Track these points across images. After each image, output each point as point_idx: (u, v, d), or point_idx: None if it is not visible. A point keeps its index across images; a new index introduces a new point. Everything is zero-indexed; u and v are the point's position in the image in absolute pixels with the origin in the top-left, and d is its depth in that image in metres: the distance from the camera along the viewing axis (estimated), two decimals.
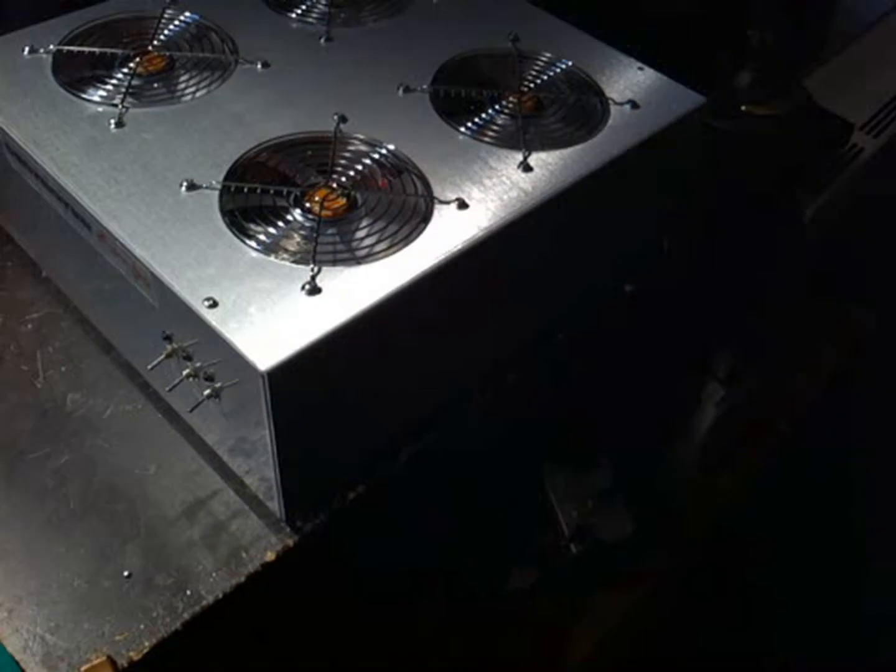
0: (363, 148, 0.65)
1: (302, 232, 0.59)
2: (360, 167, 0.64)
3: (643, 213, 0.78)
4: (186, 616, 0.59)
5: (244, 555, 0.62)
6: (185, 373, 0.59)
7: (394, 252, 0.59)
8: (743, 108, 0.98)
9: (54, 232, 0.67)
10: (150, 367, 0.61)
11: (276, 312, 0.54)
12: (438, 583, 0.84)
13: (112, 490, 0.65)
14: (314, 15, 0.78)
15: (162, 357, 0.60)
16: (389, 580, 0.74)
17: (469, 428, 0.74)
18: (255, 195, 0.61)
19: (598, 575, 1.11)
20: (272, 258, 0.57)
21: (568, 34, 0.79)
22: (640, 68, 0.76)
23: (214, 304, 0.54)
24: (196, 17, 0.75)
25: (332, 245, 0.59)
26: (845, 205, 1.20)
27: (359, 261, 0.58)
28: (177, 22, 0.75)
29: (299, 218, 0.60)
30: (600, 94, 0.73)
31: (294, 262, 0.57)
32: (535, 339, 0.77)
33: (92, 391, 0.70)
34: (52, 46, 0.71)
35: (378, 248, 0.59)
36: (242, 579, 0.61)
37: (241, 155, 0.63)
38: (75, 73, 0.70)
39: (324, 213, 0.60)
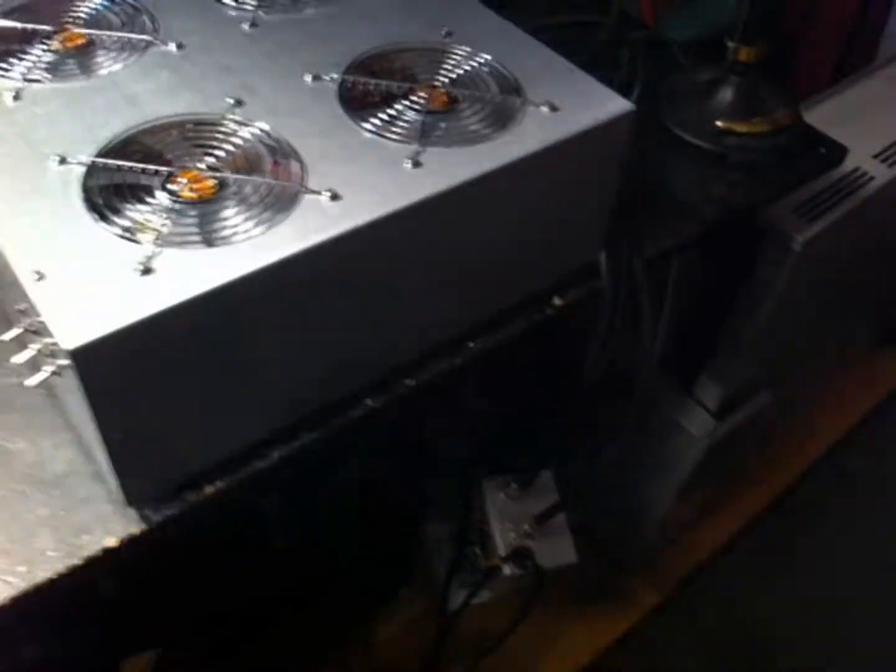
0: (244, 133, 0.63)
1: (159, 213, 0.58)
2: (236, 151, 0.62)
3: (567, 225, 0.74)
4: (14, 592, 0.58)
5: (86, 537, 0.61)
6: (34, 347, 0.58)
7: (247, 239, 0.56)
8: (718, 123, 0.93)
9: None
10: (4, 337, 0.60)
11: (101, 292, 0.52)
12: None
13: None
14: (249, 2, 0.77)
15: (16, 331, 0.59)
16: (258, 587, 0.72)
17: (364, 431, 0.72)
18: (122, 173, 0.60)
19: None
20: (119, 238, 0.56)
21: (507, 32, 0.76)
22: (571, 70, 0.72)
23: (41, 277, 0.53)
24: None
25: (185, 227, 0.57)
26: (847, 232, 1.13)
27: (209, 244, 0.56)
28: (104, 1, 0.75)
29: (161, 199, 0.59)
30: (520, 92, 0.69)
31: (140, 242, 0.56)
32: (444, 347, 0.74)
33: None
34: None
35: (234, 234, 0.57)
36: (79, 561, 0.60)
37: (119, 132, 0.62)
38: None
39: (186, 194, 0.59)
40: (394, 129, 0.66)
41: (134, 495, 0.60)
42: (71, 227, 0.56)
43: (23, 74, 0.68)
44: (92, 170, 0.60)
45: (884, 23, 1.49)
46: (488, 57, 0.72)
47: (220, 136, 0.63)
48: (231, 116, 0.64)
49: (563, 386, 0.87)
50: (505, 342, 0.76)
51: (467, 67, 0.71)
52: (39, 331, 0.58)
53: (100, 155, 0.60)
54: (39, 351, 0.58)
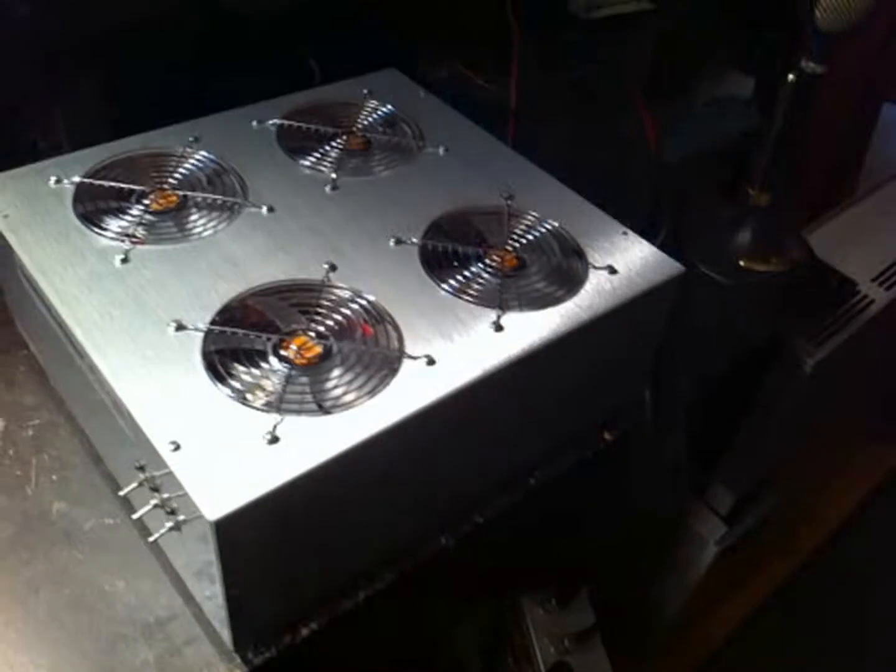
0: (346, 298, 0.69)
1: (275, 379, 0.63)
2: (339, 317, 0.68)
3: (620, 370, 0.81)
4: None
5: None
6: (152, 503, 0.63)
7: (357, 405, 0.62)
8: (741, 262, 1.01)
9: (58, 350, 0.72)
10: (122, 493, 0.64)
11: (234, 461, 0.57)
12: None
13: (79, 603, 0.68)
14: (326, 162, 0.84)
15: (134, 485, 0.64)
16: None
17: (436, 568, 0.76)
18: (236, 339, 0.65)
19: None
20: (242, 404, 0.61)
21: (560, 193, 0.83)
22: (625, 233, 0.79)
23: (177, 448, 0.57)
24: (213, 157, 0.81)
25: (300, 394, 0.62)
26: (852, 352, 1.21)
27: (324, 411, 0.61)
28: (194, 161, 0.81)
29: (275, 364, 0.64)
30: (581, 256, 0.76)
31: (262, 409, 0.61)
32: (510, 483, 0.79)
33: (77, 502, 0.74)
34: (76, 178, 0.77)
35: (344, 399, 0.62)
36: None
37: (230, 298, 0.68)
38: (93, 206, 0.75)
39: (298, 360, 0.64)
40: (472, 290, 0.72)
41: (243, 641, 0.64)
42: (199, 396, 0.61)
43: (126, 234, 0.73)
44: (208, 336, 0.65)
45: (863, 158, 1.60)
46: (553, 222, 0.79)
47: (324, 301, 0.68)
48: (329, 283, 0.70)
49: (606, 512, 0.93)
50: (561, 476, 0.82)
51: (535, 232, 0.78)
52: (158, 487, 0.62)
53: (214, 321, 0.66)
54: (156, 505, 0.63)
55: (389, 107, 0.90)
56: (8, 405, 0.81)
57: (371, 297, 0.69)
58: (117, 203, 0.76)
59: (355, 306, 0.69)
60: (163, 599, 0.69)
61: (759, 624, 1.61)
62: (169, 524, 0.62)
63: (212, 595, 0.64)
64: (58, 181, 0.77)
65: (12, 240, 0.71)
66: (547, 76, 1.30)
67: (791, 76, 0.90)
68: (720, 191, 1.17)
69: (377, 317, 0.68)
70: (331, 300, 0.69)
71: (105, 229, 0.73)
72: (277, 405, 0.61)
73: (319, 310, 0.68)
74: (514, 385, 0.69)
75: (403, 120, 0.90)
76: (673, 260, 0.77)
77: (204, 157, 0.81)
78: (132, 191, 0.77)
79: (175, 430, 0.58)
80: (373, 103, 0.90)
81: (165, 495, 0.62)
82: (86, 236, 0.73)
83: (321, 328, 0.67)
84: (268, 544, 0.59)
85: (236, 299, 0.68)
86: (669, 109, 1.65)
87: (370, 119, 0.89)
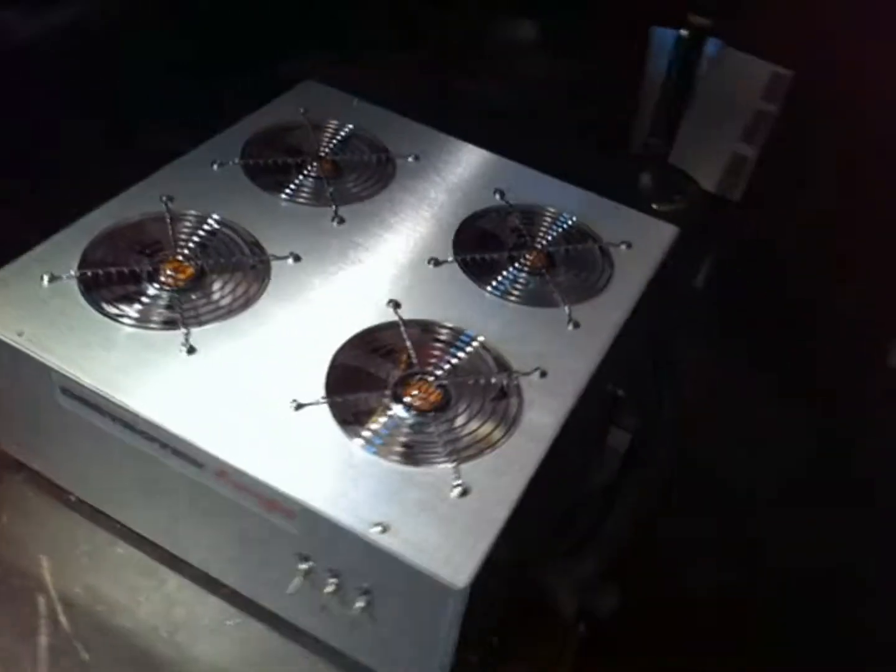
0: (434, 333, 0.69)
1: (412, 429, 0.62)
2: (436, 352, 0.67)
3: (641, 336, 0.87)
4: None
5: None
6: (329, 589, 0.60)
7: (510, 435, 0.62)
8: (654, 206, 1.10)
9: (116, 464, 0.65)
10: (289, 591, 0.61)
11: (442, 523, 0.56)
12: None
13: None
14: (306, 193, 0.80)
15: (299, 579, 0.60)
16: None
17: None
18: (359, 401, 0.63)
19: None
20: (407, 465, 0.59)
21: (537, 179, 0.86)
22: (617, 207, 0.84)
23: (385, 530, 0.55)
24: (202, 214, 0.75)
25: (452, 440, 0.62)
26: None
27: (491, 446, 0.61)
28: (186, 223, 0.74)
29: (412, 417, 0.63)
30: (595, 238, 0.80)
31: (430, 463, 0.60)
32: None
33: (189, 615, 0.68)
34: (72, 271, 0.68)
35: (495, 435, 0.63)
36: None
37: (327, 363, 0.65)
38: (110, 295, 0.68)
39: (426, 407, 0.63)
40: (526, 294, 0.74)
41: None
42: (363, 468, 0.58)
43: (169, 322, 0.66)
44: (333, 407, 0.62)
45: None
46: (553, 209, 0.82)
47: (412, 341, 0.67)
48: (404, 320, 0.69)
49: None
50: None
51: (549, 225, 0.81)
52: (338, 573, 0.60)
53: (327, 392, 0.63)
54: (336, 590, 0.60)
55: (350, 126, 0.87)
56: (42, 540, 0.71)
57: (456, 327, 0.69)
58: (135, 287, 0.69)
59: (445, 338, 0.68)
60: None
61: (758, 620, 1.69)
62: (358, 605, 0.60)
63: (393, 656, 0.62)
64: (52, 279, 0.68)
65: (48, 358, 0.63)
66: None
67: (683, 31, 0.98)
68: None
69: (472, 345, 0.68)
70: (419, 336, 0.68)
71: (143, 322, 0.66)
72: (444, 456, 0.60)
73: (417, 351, 0.67)
74: (604, 373, 0.72)
75: (356, 135, 0.87)
76: (667, 223, 0.83)
77: (193, 215, 0.75)
78: (140, 271, 0.70)
79: (368, 512, 0.56)
80: (333, 123, 0.87)
81: (349, 577, 0.59)
82: (130, 336, 0.65)
83: (427, 367, 0.66)
84: (487, 590, 0.59)
85: (331, 363, 0.65)
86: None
87: (333, 142, 0.86)
